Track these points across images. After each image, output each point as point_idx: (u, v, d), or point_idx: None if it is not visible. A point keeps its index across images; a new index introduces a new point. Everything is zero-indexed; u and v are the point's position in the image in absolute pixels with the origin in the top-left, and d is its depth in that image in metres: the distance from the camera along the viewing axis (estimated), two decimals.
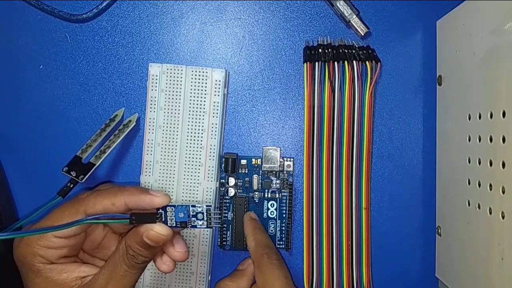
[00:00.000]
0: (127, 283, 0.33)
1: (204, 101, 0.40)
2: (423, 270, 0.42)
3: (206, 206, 0.34)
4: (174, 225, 0.34)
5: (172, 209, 0.34)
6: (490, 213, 0.31)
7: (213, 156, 0.40)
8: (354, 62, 0.39)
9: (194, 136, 0.40)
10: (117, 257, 0.33)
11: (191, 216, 0.34)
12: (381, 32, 0.41)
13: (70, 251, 0.34)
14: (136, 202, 0.33)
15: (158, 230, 0.33)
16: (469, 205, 0.34)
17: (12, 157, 0.42)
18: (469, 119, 0.34)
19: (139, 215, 0.33)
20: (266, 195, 0.41)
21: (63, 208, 0.34)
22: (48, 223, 0.33)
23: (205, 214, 0.34)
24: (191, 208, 0.34)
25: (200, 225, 0.34)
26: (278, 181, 0.41)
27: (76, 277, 0.34)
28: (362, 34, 0.40)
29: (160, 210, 0.34)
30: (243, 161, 0.41)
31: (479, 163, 0.33)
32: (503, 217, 0.30)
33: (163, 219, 0.34)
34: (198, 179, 0.40)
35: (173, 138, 0.40)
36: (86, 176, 0.37)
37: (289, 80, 0.42)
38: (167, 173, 0.40)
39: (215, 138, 0.40)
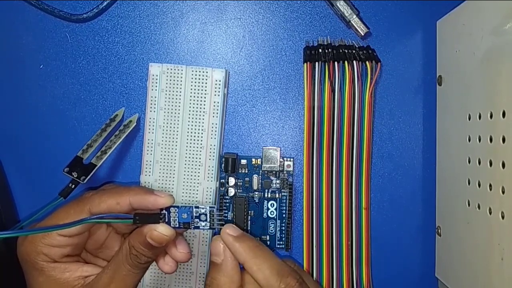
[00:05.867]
0: (130, 283, 0.34)
1: (204, 101, 0.40)
2: (423, 270, 0.42)
3: (210, 207, 0.34)
4: (177, 226, 0.34)
5: (176, 210, 0.34)
6: (490, 213, 0.31)
7: (213, 156, 0.40)
8: (354, 62, 0.39)
9: (194, 136, 0.40)
10: (120, 257, 0.34)
11: (194, 217, 0.34)
12: (381, 32, 0.41)
13: (74, 250, 0.35)
14: (140, 202, 0.33)
15: (161, 230, 0.33)
16: (469, 205, 0.34)
17: (12, 157, 0.42)
18: (469, 119, 0.34)
19: (143, 215, 0.33)
20: (266, 195, 0.41)
21: (68, 207, 0.34)
22: (53, 222, 0.33)
23: (208, 215, 0.34)
24: (194, 209, 0.34)
25: (203, 226, 0.34)
26: (278, 181, 0.41)
27: (79, 277, 0.34)
28: (362, 34, 0.40)
29: (164, 211, 0.34)
30: (243, 161, 0.41)
31: (479, 163, 0.33)
32: (503, 217, 0.30)
33: (167, 220, 0.34)
34: (198, 179, 0.40)
35: (173, 138, 0.40)
36: (88, 177, 0.37)
37: (289, 80, 0.42)
38: (167, 173, 0.40)
39: (215, 138, 0.40)
